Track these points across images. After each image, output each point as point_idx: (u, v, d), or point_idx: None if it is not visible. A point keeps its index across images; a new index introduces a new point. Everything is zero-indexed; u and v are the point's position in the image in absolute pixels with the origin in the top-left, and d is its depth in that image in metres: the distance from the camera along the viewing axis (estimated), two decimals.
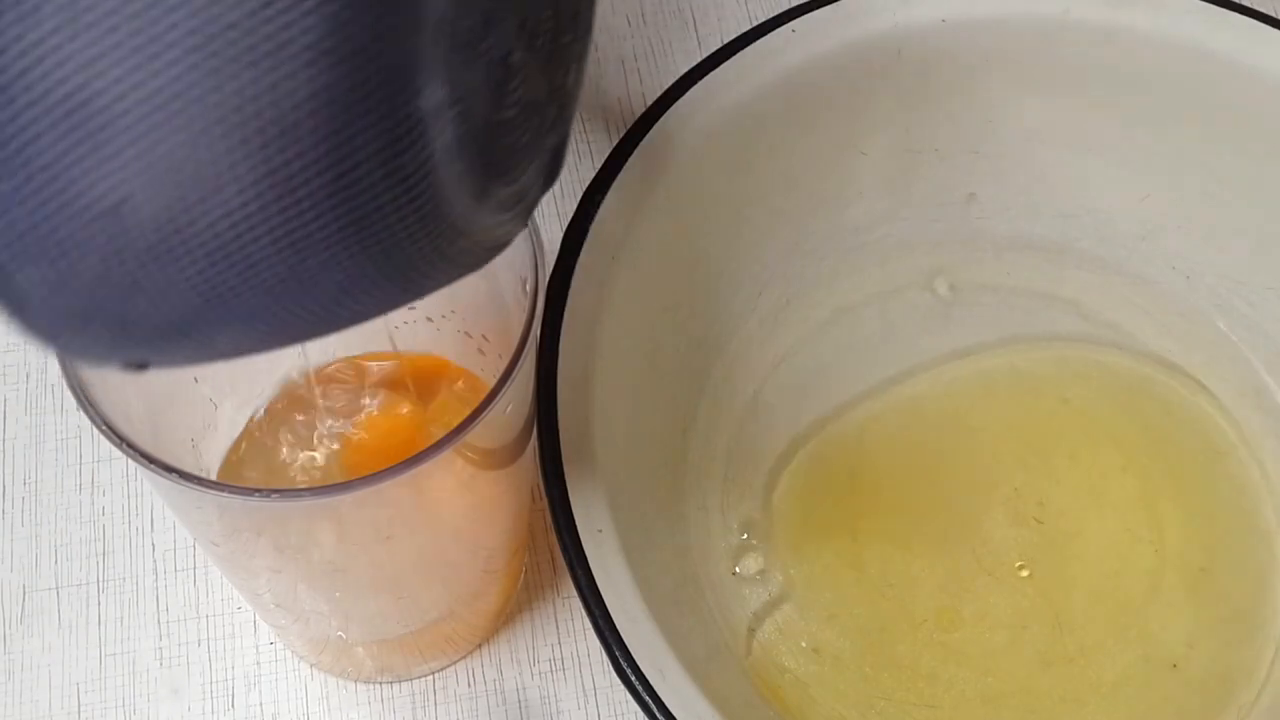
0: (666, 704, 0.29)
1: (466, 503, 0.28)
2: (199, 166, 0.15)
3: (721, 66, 0.36)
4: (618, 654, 0.29)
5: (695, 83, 0.36)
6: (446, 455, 0.23)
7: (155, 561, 0.38)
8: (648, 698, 0.29)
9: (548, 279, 0.32)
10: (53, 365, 0.40)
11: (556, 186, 0.45)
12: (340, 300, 0.18)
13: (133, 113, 0.15)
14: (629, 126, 0.35)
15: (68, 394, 0.39)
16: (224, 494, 0.22)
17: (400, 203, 0.17)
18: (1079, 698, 0.36)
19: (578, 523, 0.30)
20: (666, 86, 0.36)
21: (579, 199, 0.34)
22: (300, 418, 0.32)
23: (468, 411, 0.23)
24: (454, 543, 0.30)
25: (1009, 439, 0.40)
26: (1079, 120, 0.40)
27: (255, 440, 0.32)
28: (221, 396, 0.31)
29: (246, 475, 0.31)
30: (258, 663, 0.37)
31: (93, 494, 0.39)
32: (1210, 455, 0.40)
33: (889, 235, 0.42)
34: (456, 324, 0.32)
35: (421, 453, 0.23)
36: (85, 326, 0.17)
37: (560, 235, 0.34)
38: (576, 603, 0.37)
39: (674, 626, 0.30)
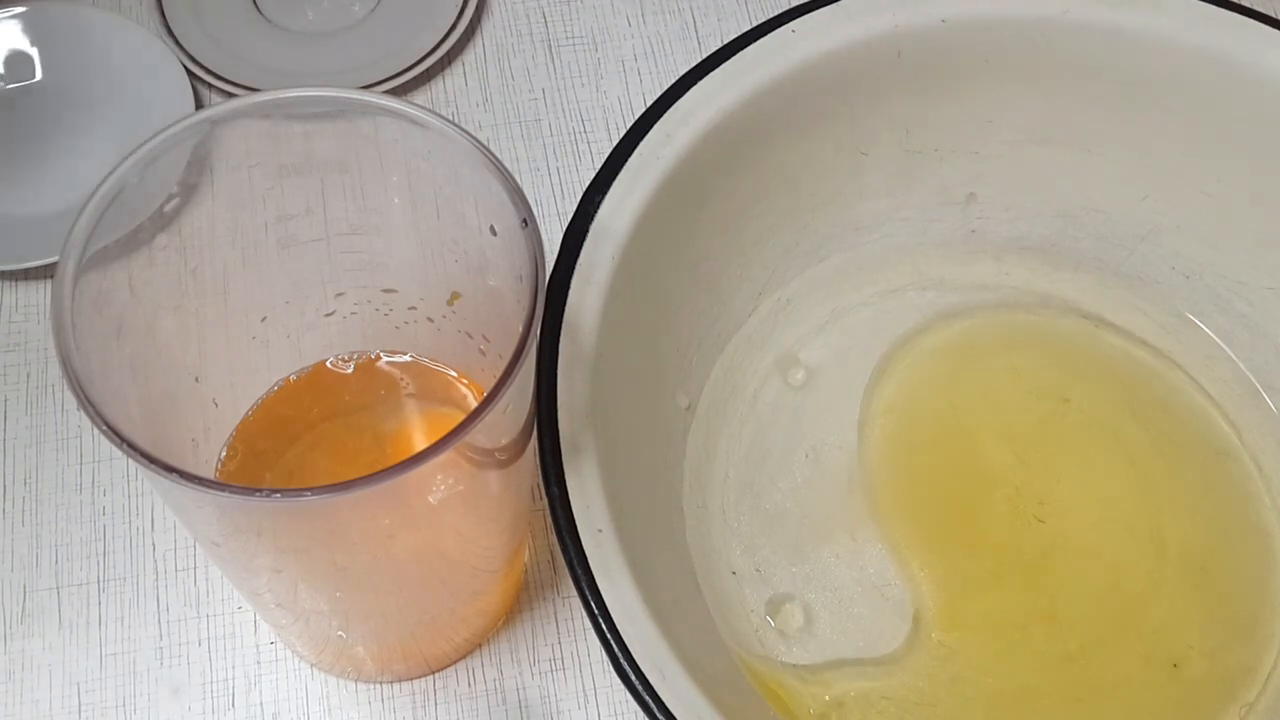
0: (666, 704, 0.29)
1: (466, 502, 0.28)
2: None
3: (721, 66, 0.36)
4: (618, 654, 0.29)
5: (695, 83, 0.36)
6: (446, 455, 0.23)
7: (155, 561, 0.38)
8: (648, 698, 0.29)
9: (548, 279, 0.32)
10: (53, 365, 0.40)
11: (556, 186, 0.45)
12: None
13: None
14: (629, 126, 0.35)
15: (68, 394, 0.40)
16: (224, 494, 0.22)
17: None
18: (1079, 697, 0.36)
19: (578, 523, 0.30)
20: (666, 86, 0.36)
21: (579, 199, 0.34)
22: (298, 416, 0.32)
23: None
24: (454, 542, 0.30)
25: (1009, 439, 0.40)
26: (1079, 120, 0.40)
27: (253, 439, 0.32)
28: (221, 396, 0.31)
29: (245, 474, 0.31)
30: (258, 663, 0.37)
31: (93, 494, 0.39)
32: (1210, 455, 0.40)
33: (889, 235, 0.42)
34: (456, 324, 0.32)
35: (421, 453, 0.23)
36: None
37: (560, 235, 0.34)
38: (576, 603, 0.38)
39: (674, 626, 0.30)
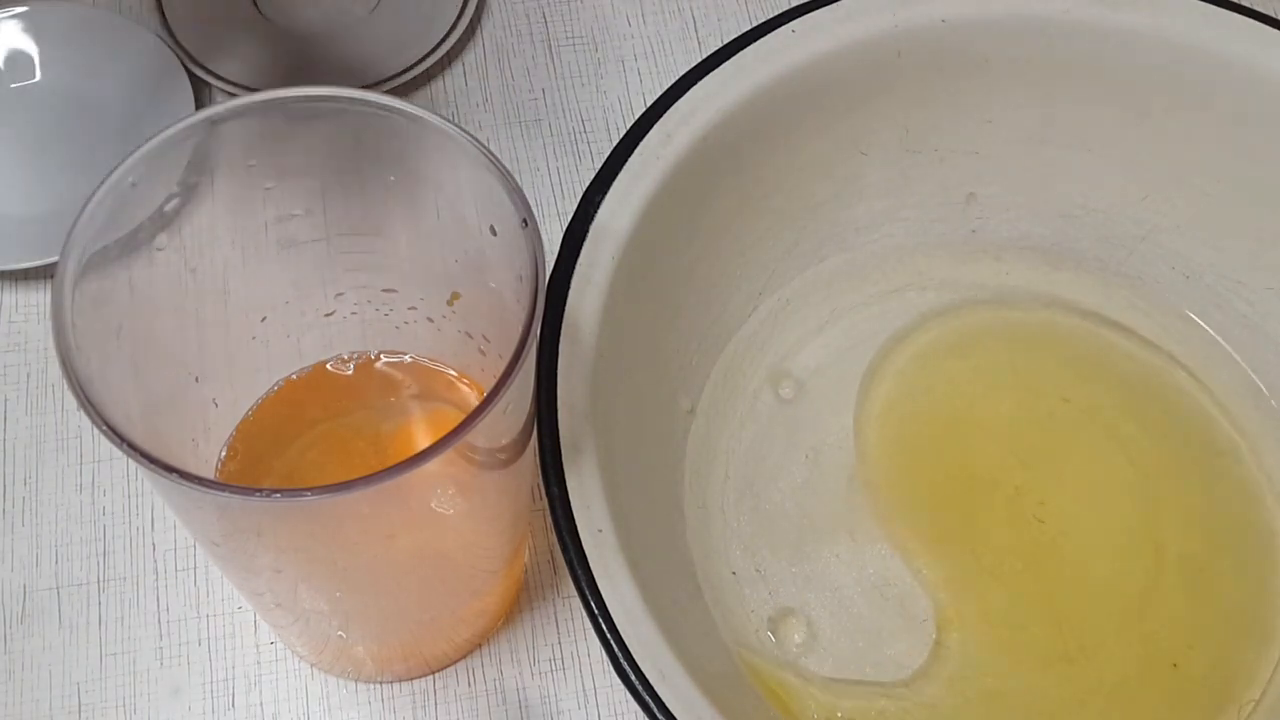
0: (666, 704, 0.29)
1: (466, 503, 0.28)
2: None
3: (721, 66, 0.36)
4: (618, 654, 0.29)
5: (695, 83, 0.36)
6: (446, 455, 0.23)
7: (155, 561, 0.38)
8: (648, 698, 0.29)
9: (548, 279, 0.32)
10: (53, 365, 0.40)
11: (556, 186, 0.45)
12: None
13: None
14: (629, 126, 0.35)
15: (68, 394, 0.40)
16: (224, 494, 0.22)
17: None
18: (1079, 698, 0.36)
19: (578, 523, 0.30)
20: (666, 86, 0.36)
21: (579, 199, 0.34)
22: (298, 416, 0.32)
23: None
24: (454, 542, 0.30)
25: (1009, 439, 0.40)
26: (1079, 120, 0.40)
27: (253, 439, 0.32)
28: (221, 396, 0.31)
29: (245, 474, 0.31)
30: (258, 663, 0.37)
31: (93, 494, 0.39)
32: (1210, 455, 0.40)
33: (889, 235, 0.42)
34: (457, 324, 0.32)
35: (421, 453, 0.23)
36: None
37: (560, 235, 0.34)
38: (576, 603, 0.38)
39: (674, 626, 0.30)
